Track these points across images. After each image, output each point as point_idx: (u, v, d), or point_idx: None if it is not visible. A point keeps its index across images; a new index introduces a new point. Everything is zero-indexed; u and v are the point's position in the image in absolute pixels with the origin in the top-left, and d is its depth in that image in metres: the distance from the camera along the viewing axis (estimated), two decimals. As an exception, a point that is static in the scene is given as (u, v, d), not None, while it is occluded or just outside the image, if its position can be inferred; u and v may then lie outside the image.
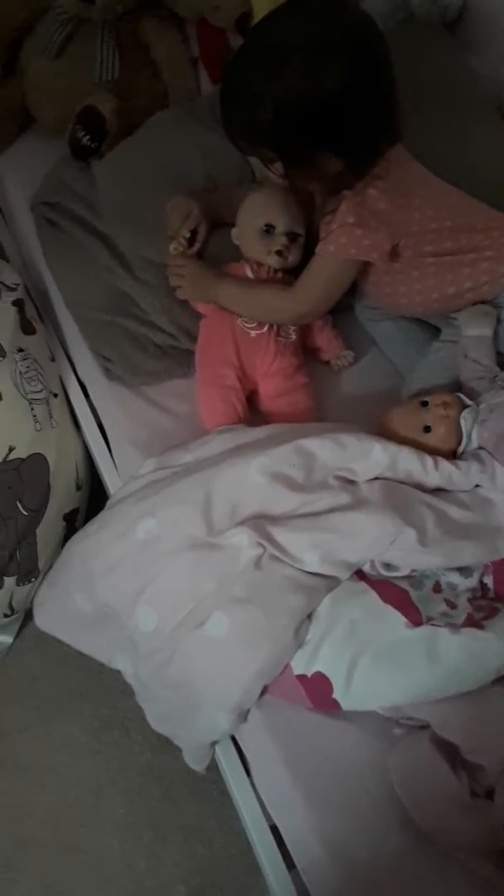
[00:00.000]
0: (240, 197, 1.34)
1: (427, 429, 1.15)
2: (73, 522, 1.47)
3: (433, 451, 1.13)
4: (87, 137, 1.49)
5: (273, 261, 1.29)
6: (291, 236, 1.29)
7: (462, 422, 1.14)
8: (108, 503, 1.25)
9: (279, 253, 1.28)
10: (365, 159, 1.12)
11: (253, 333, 1.28)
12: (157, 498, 1.12)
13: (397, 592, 1.03)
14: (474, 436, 1.14)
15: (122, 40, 1.56)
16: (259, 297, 1.28)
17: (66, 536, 1.44)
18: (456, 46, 1.64)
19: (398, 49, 1.50)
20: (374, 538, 1.02)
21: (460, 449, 1.15)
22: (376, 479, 1.10)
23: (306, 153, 1.10)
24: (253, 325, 1.28)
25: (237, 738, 1.13)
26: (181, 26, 1.61)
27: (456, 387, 1.23)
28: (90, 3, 1.46)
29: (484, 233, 1.21)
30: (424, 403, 1.17)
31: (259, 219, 1.29)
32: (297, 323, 1.31)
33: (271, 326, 1.28)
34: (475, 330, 1.22)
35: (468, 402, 1.17)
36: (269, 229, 1.28)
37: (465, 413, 1.15)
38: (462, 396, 1.18)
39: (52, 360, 1.48)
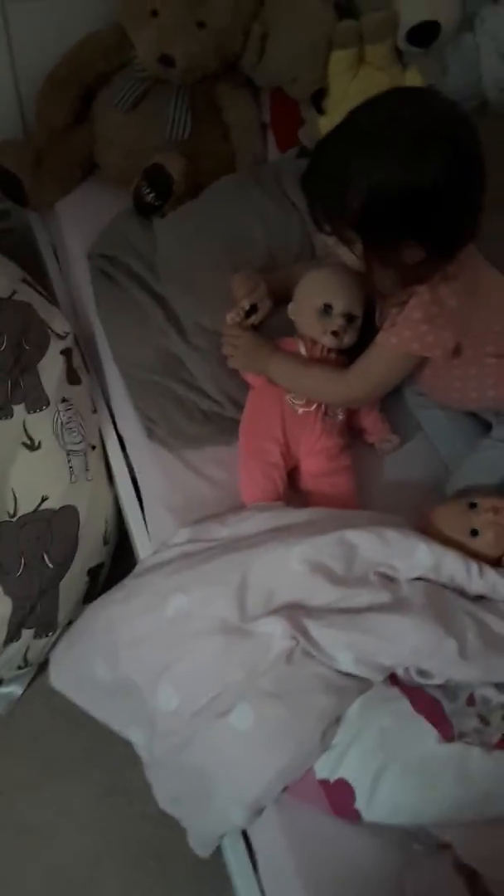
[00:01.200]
0: (300, 273, 1.33)
1: (474, 532, 1.12)
2: (97, 577, 1.45)
3: (478, 556, 1.10)
4: (152, 195, 1.50)
5: (328, 341, 1.28)
6: (349, 317, 1.28)
7: None
8: (137, 568, 1.23)
9: (335, 333, 1.27)
10: (446, 253, 1.10)
11: (300, 411, 1.26)
12: (190, 574, 1.10)
13: (430, 702, 1.00)
14: None
15: (196, 101, 1.59)
16: (311, 377, 1.27)
17: (89, 591, 1.41)
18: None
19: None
20: (415, 645, 0.99)
21: None
22: (418, 578, 1.07)
23: (391, 240, 1.08)
24: (301, 402, 1.27)
25: (248, 832, 1.09)
26: (256, 93, 1.62)
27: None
28: (170, 66, 1.48)
29: None
30: (473, 505, 1.14)
31: (318, 298, 1.28)
32: (346, 406, 1.30)
33: (319, 405, 1.27)
34: None
35: None
36: (327, 309, 1.27)
37: None
38: None
39: (94, 411, 1.47)
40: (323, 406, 1.27)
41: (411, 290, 1.13)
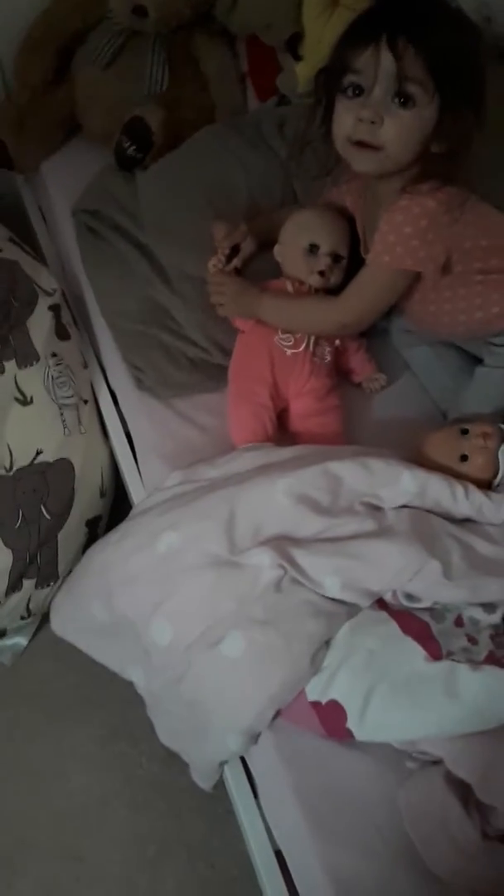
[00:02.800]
0: (284, 216, 1.34)
1: (464, 458, 1.14)
2: (95, 529, 1.47)
3: (468, 481, 1.11)
4: (133, 148, 1.51)
5: (315, 280, 1.29)
6: (335, 257, 1.29)
7: (500, 454, 1.12)
8: (132, 513, 1.25)
9: (321, 273, 1.28)
10: (472, 137, 1.12)
11: (289, 352, 1.27)
12: (180, 512, 1.12)
13: (418, 624, 1.01)
14: None
15: (173, 53, 1.59)
16: (302, 308, 1.28)
17: (88, 543, 1.44)
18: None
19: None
20: (398, 568, 1.01)
21: (496, 482, 1.13)
22: (404, 506, 1.09)
23: (463, 97, 1.08)
24: (290, 343, 1.28)
25: (247, 759, 1.12)
26: (232, 42, 1.62)
27: (500, 417, 1.22)
28: (144, 17, 1.48)
29: None
30: (464, 432, 1.15)
31: (304, 238, 1.29)
32: (340, 333, 1.30)
33: (307, 346, 1.28)
34: None
35: None
36: (313, 249, 1.29)
37: (502, 449, 1.13)
38: None
39: (85, 366, 1.49)
40: (311, 347, 1.28)
41: (395, 209, 1.14)
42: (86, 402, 1.45)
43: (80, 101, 1.65)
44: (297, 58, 1.61)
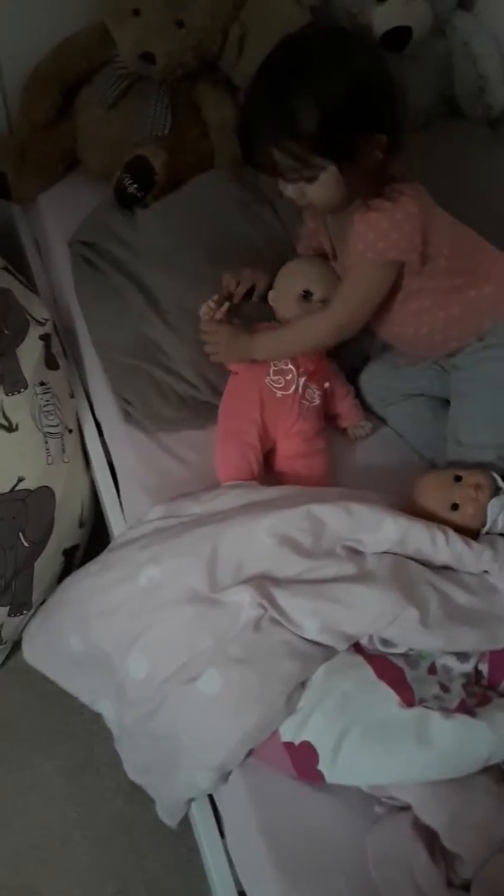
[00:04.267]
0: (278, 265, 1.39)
1: (454, 507, 1.16)
2: (72, 559, 1.47)
3: (456, 529, 1.13)
4: (135, 186, 1.54)
5: None
6: (327, 303, 1.33)
7: (490, 507, 1.15)
8: (112, 545, 1.26)
9: None
10: (399, 135, 1.16)
11: (279, 394, 1.30)
12: (162, 546, 1.13)
13: (392, 670, 1.03)
14: (500, 522, 1.15)
15: (177, 99, 1.63)
16: (294, 329, 1.32)
17: (64, 572, 1.44)
18: (499, 141, 1.70)
19: (444, 141, 1.58)
20: (376, 614, 1.03)
21: (483, 532, 1.16)
22: (385, 552, 1.11)
23: (355, 140, 1.13)
24: (280, 385, 1.30)
25: (215, 797, 1.12)
26: (235, 93, 1.67)
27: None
28: (151, 64, 1.52)
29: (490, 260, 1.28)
30: (458, 479, 1.18)
31: (298, 284, 1.34)
32: (337, 339, 1.31)
33: (297, 389, 1.30)
34: None
35: (501, 484, 1.18)
36: (307, 295, 1.33)
37: (494, 500, 1.16)
38: (497, 479, 1.18)
39: (72, 396, 1.50)
40: (300, 390, 1.31)
41: (367, 213, 1.18)
42: (70, 431, 1.46)
43: (82, 138, 1.69)
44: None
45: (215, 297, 1.35)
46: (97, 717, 1.21)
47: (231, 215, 1.51)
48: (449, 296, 1.26)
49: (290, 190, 1.19)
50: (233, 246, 1.48)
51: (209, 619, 1.06)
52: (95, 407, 1.51)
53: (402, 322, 1.31)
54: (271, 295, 1.38)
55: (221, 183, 1.58)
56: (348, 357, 1.44)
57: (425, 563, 1.10)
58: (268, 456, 1.33)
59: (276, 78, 1.13)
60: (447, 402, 1.37)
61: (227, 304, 1.35)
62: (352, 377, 1.44)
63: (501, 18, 1.65)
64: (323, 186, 1.16)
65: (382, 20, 1.57)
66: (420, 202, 1.20)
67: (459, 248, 1.25)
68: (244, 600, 1.06)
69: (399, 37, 1.59)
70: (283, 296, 1.36)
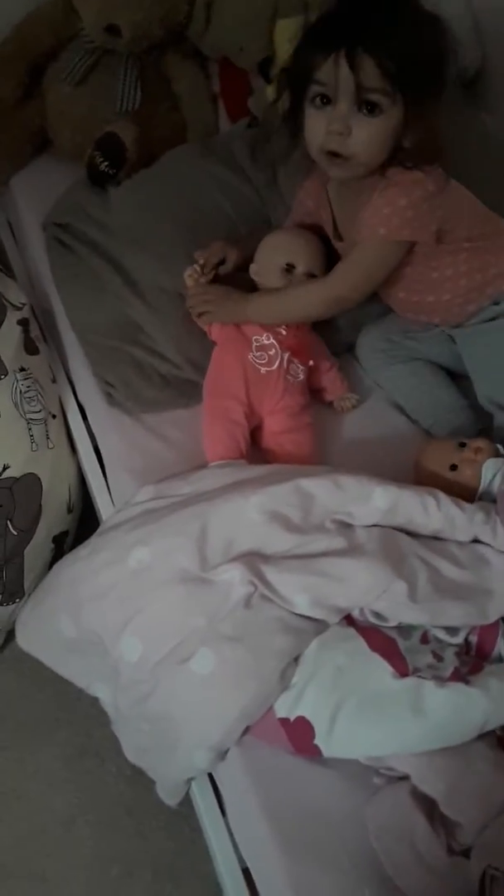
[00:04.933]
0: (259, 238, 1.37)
1: (453, 467, 1.18)
2: (62, 545, 1.46)
3: (453, 490, 1.14)
4: (106, 164, 1.51)
5: None
6: (311, 276, 1.31)
7: (484, 468, 1.16)
8: (101, 528, 1.25)
9: None
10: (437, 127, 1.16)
11: (263, 370, 1.29)
12: (151, 527, 1.12)
13: (385, 641, 1.02)
14: (496, 483, 1.15)
15: (145, 72, 1.60)
16: (293, 294, 1.30)
17: (54, 559, 1.43)
18: (473, 103, 1.68)
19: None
20: (365, 587, 1.02)
21: (479, 492, 1.17)
22: (375, 525, 1.10)
23: (431, 93, 1.14)
24: (264, 361, 1.29)
25: (214, 776, 1.12)
26: (204, 64, 1.64)
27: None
28: (117, 36, 1.49)
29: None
30: (462, 445, 1.21)
31: (281, 257, 1.32)
32: (332, 311, 1.32)
33: (281, 364, 1.29)
34: None
35: (503, 452, 1.20)
36: (289, 268, 1.31)
37: (489, 461, 1.17)
38: (500, 448, 1.20)
39: (54, 381, 1.49)
40: (285, 364, 1.30)
41: (384, 184, 1.17)
42: (54, 416, 1.44)
43: (51, 117, 1.66)
44: (269, 81, 1.64)
45: (200, 262, 1.33)
46: (94, 702, 1.20)
47: (205, 189, 1.48)
48: (470, 264, 1.25)
49: (337, 122, 1.11)
50: (208, 220, 1.46)
51: (200, 598, 1.06)
52: (78, 391, 1.49)
53: (422, 290, 1.30)
54: (253, 267, 1.36)
55: (195, 157, 1.55)
56: (342, 330, 1.43)
57: (416, 534, 1.10)
58: (254, 433, 1.32)
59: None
60: (448, 370, 1.38)
61: (213, 269, 1.32)
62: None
63: (472, -21, 1.62)
64: (379, 127, 1.12)
65: (352, -17, 1.54)
66: (437, 180, 1.18)
67: (477, 219, 1.25)
68: (234, 578, 1.05)
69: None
70: (266, 268, 1.34)
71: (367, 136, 1.13)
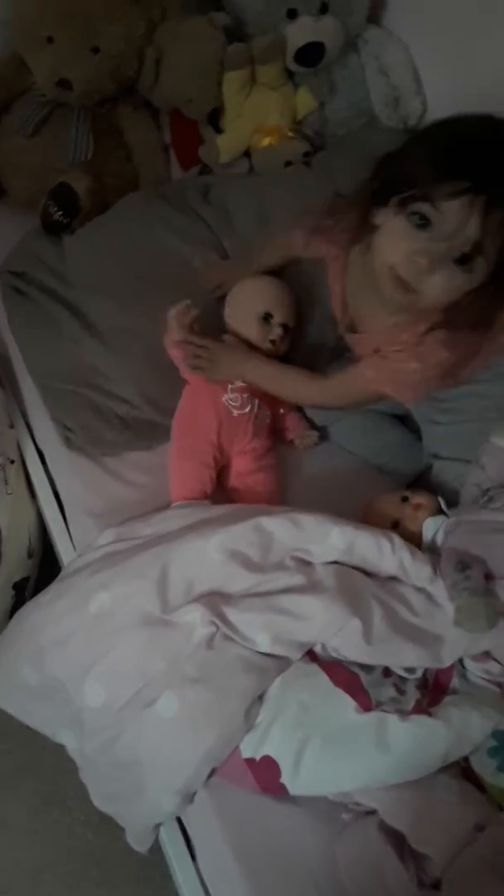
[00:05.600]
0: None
1: (395, 524, 1.19)
2: (23, 591, 1.46)
3: None
4: (60, 213, 1.53)
5: (267, 348, 1.35)
6: (285, 327, 1.35)
7: (424, 526, 1.18)
8: (63, 573, 1.25)
9: (272, 342, 1.34)
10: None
11: (236, 413, 1.31)
12: (112, 571, 1.12)
13: (348, 675, 1.03)
14: (438, 540, 1.16)
15: (97, 124, 1.63)
16: (290, 378, 1.34)
17: (15, 605, 1.42)
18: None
19: (363, 151, 1.60)
20: (323, 623, 1.03)
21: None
22: (334, 562, 1.12)
23: None
24: (237, 403, 1.31)
25: (183, 820, 1.11)
26: (155, 115, 1.68)
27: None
28: (68, 90, 1.52)
29: None
30: (405, 499, 1.22)
31: (258, 306, 1.35)
32: (317, 408, 1.39)
33: (252, 408, 1.31)
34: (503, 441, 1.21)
35: (444, 508, 1.20)
36: (267, 318, 1.35)
37: (429, 519, 1.18)
38: (442, 502, 1.21)
39: (11, 426, 1.49)
40: (256, 408, 1.32)
41: (415, 351, 1.15)
42: (12, 462, 1.45)
43: (5, 167, 1.68)
44: (218, 130, 1.69)
45: (187, 301, 1.31)
46: (60, 750, 1.18)
47: (160, 233, 1.51)
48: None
49: (426, 257, 1.03)
50: (165, 263, 1.48)
51: (162, 641, 1.06)
52: (36, 435, 1.50)
53: None
54: (227, 312, 1.38)
55: (148, 202, 1.58)
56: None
57: (373, 574, 1.11)
58: (220, 472, 1.33)
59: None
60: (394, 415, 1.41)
61: (196, 311, 1.32)
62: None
63: (410, 31, 1.69)
64: (462, 282, 1.04)
65: (295, 37, 1.60)
66: (463, 362, 1.15)
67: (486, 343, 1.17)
68: (196, 619, 1.05)
69: (312, 53, 1.61)
70: (242, 315, 1.37)
71: (446, 285, 1.05)
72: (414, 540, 1.17)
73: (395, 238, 1.06)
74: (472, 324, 1.10)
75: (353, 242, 1.19)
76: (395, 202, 1.05)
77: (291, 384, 1.34)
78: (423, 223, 1.02)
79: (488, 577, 1.08)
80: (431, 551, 1.16)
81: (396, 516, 1.20)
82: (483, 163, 0.99)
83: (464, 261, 1.03)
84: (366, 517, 1.23)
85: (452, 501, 1.23)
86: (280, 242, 1.44)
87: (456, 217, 1.00)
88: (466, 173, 0.98)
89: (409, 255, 1.04)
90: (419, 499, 1.21)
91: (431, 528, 1.18)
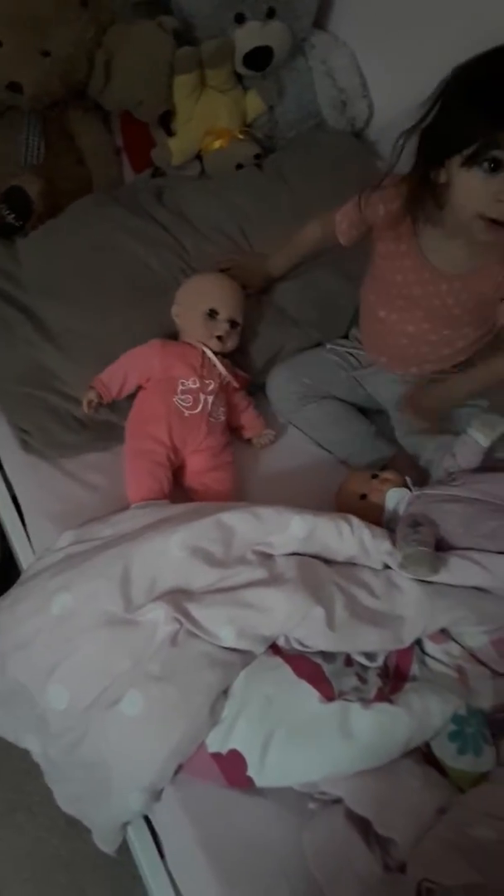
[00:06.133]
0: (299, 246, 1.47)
1: (363, 497, 1.26)
2: (-17, 597, 1.44)
3: (363, 518, 1.18)
4: (12, 216, 1.53)
5: (214, 344, 1.35)
6: (232, 323, 1.35)
7: (387, 496, 1.24)
8: (23, 576, 1.24)
9: (220, 338, 1.35)
10: None
11: (187, 413, 1.31)
12: (73, 573, 1.12)
13: (311, 667, 1.05)
14: (400, 510, 1.22)
15: (48, 127, 1.63)
16: (491, 373, 1.33)
17: (-25, 612, 1.40)
18: (365, 151, 1.77)
19: (313, 153, 1.63)
20: (286, 614, 1.05)
21: (383, 522, 1.24)
22: (294, 554, 1.13)
23: None
24: (188, 404, 1.31)
25: (151, 817, 1.11)
26: (106, 118, 1.68)
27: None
28: (18, 93, 1.52)
29: None
30: (375, 476, 1.29)
31: (204, 303, 1.36)
32: None
33: (205, 406, 1.32)
34: (477, 435, 1.27)
35: (409, 485, 1.26)
36: (212, 314, 1.35)
37: (392, 490, 1.24)
38: (408, 480, 1.28)
39: (-33, 432, 1.47)
40: (209, 406, 1.32)
41: None
42: (-31, 467, 1.43)
43: (-44, 172, 1.66)
44: (170, 133, 1.70)
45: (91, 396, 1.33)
46: (24, 755, 1.18)
47: (114, 235, 1.52)
48: None
49: None
50: (120, 265, 1.49)
51: (126, 640, 1.06)
52: (-8, 440, 1.48)
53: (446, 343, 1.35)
54: (175, 309, 1.39)
55: (101, 205, 1.58)
56: (256, 368, 1.48)
57: (333, 561, 1.13)
58: (177, 472, 1.33)
59: None
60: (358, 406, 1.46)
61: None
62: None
63: (355, 35, 1.73)
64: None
65: (243, 41, 1.62)
66: None
67: None
68: (159, 617, 1.06)
69: (260, 57, 1.63)
70: (188, 313, 1.37)
71: None
72: (378, 511, 1.24)
73: (474, 188, 1.12)
74: None
75: (414, 204, 1.22)
76: (459, 161, 1.11)
77: (496, 374, 1.32)
78: (495, 166, 1.08)
79: (440, 545, 1.14)
80: (392, 522, 1.20)
81: (364, 490, 1.27)
82: None
83: None
84: (338, 496, 1.30)
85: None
86: (324, 221, 1.40)
87: None
88: None
89: (495, 197, 1.11)
90: (387, 475, 1.29)
91: (394, 498, 1.24)
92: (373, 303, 1.39)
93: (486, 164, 1.09)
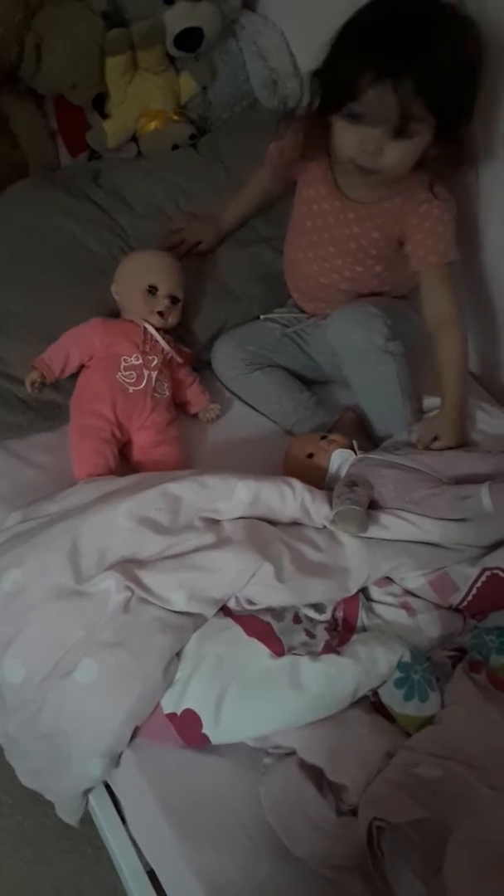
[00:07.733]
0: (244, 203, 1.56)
1: (310, 455, 1.31)
2: None
3: (308, 476, 1.23)
4: None
5: (155, 320, 1.36)
6: (172, 299, 1.36)
7: (332, 456, 1.29)
8: (-27, 559, 1.24)
9: (160, 313, 1.35)
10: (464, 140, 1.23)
11: (131, 390, 1.32)
12: (22, 549, 1.13)
13: (261, 625, 1.08)
14: (342, 471, 1.27)
15: (-20, 111, 1.62)
16: (460, 358, 1.36)
17: None
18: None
19: (247, 132, 1.65)
20: (236, 573, 1.08)
21: (327, 479, 1.28)
22: (240, 518, 1.16)
23: (461, 112, 1.19)
24: (132, 380, 1.32)
25: (111, 784, 1.13)
26: (40, 101, 1.68)
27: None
28: None
29: None
30: (324, 437, 1.34)
31: (143, 279, 1.36)
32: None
33: (149, 382, 1.33)
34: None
35: (355, 449, 1.31)
36: (151, 290, 1.35)
37: (337, 451, 1.29)
38: (354, 444, 1.33)
39: None
40: (153, 382, 1.34)
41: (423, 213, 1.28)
42: None
43: None
44: (104, 116, 1.70)
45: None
46: (-18, 736, 1.19)
47: (51, 217, 1.52)
48: None
49: (371, 143, 1.17)
50: (57, 246, 1.49)
51: (78, 611, 1.08)
52: None
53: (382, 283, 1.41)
54: (114, 287, 1.39)
55: (38, 188, 1.58)
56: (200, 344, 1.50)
57: (278, 522, 1.16)
58: (124, 448, 1.35)
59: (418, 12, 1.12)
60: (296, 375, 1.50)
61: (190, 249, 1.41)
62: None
63: (284, 15, 1.75)
64: (410, 148, 1.18)
65: (173, 22, 1.63)
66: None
67: None
68: (111, 587, 1.07)
69: (190, 38, 1.65)
70: (128, 289, 1.38)
71: (398, 157, 1.19)
72: (321, 470, 1.29)
73: (342, 137, 1.21)
74: (452, 165, 1.25)
75: (314, 149, 1.29)
76: (334, 110, 1.19)
77: (462, 357, 1.34)
78: (355, 116, 1.16)
79: (372, 505, 1.18)
80: (333, 482, 1.24)
81: (311, 450, 1.32)
82: (381, 48, 1.13)
83: (400, 131, 1.16)
84: (288, 452, 1.35)
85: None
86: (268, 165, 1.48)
87: (374, 103, 1.14)
88: (370, 64, 1.12)
89: (357, 146, 1.19)
90: (335, 436, 1.34)
91: (337, 459, 1.29)
92: (293, 246, 1.46)
93: (348, 116, 1.17)
